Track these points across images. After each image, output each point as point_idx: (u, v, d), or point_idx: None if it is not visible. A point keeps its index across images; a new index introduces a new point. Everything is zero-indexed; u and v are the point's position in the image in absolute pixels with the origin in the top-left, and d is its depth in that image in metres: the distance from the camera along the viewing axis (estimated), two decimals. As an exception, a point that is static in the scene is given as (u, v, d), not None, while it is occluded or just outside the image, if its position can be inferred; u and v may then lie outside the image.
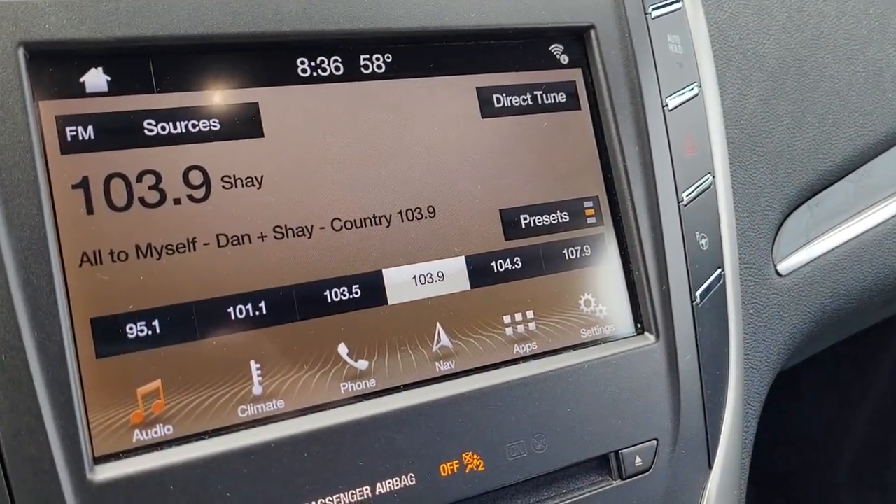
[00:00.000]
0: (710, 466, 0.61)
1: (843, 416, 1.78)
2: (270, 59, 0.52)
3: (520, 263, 0.57)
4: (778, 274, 0.71)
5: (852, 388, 1.73)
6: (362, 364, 0.52)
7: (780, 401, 1.95)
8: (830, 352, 1.64)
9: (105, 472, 0.44)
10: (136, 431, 0.46)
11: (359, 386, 0.51)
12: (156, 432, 0.46)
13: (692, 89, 0.65)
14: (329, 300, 0.51)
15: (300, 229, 0.51)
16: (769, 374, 0.71)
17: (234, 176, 0.50)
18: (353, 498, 0.49)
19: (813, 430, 1.86)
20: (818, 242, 0.75)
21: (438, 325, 0.54)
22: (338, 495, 0.49)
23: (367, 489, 0.49)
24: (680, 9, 0.66)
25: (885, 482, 1.75)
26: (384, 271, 0.53)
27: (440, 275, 0.55)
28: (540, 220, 0.58)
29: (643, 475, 0.57)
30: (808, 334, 0.73)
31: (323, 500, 0.48)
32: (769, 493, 2.02)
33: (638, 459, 0.57)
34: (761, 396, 0.69)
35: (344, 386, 0.51)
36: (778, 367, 0.72)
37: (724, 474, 0.61)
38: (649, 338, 0.59)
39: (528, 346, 0.56)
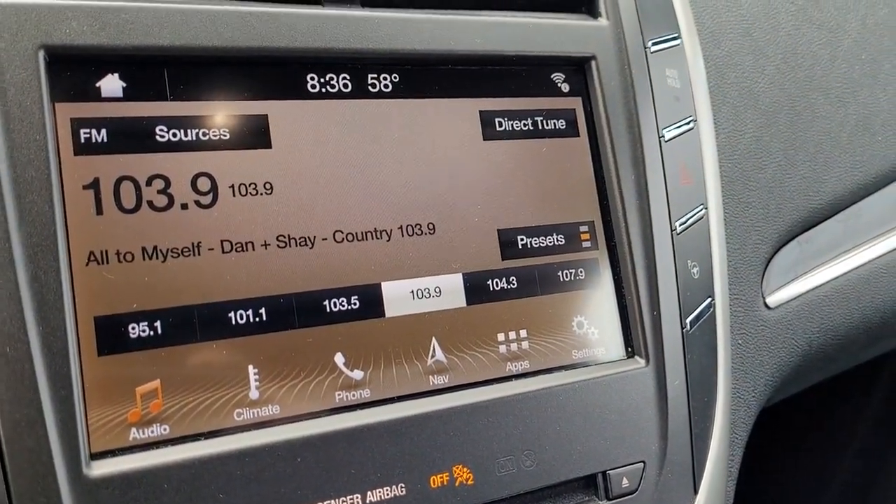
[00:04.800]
0: (696, 491, 0.61)
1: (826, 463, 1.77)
2: (281, 73, 0.54)
3: (515, 283, 0.58)
4: (767, 307, 0.73)
5: (837, 436, 1.74)
6: (358, 374, 0.53)
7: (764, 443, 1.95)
8: (814, 395, 1.65)
9: (101, 468, 0.45)
10: (133, 430, 0.47)
11: (353, 395, 0.52)
12: (152, 431, 0.47)
13: (688, 122, 0.67)
14: (328, 310, 0.52)
15: (303, 239, 0.52)
16: (755, 404, 0.72)
17: (242, 184, 0.51)
18: (345, 509, 0.50)
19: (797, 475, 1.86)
20: (807, 278, 0.76)
21: (434, 340, 0.55)
22: (329, 501, 0.49)
23: (357, 497, 0.50)
24: (679, 45, 0.68)
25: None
26: (383, 284, 0.54)
27: (437, 290, 0.56)
28: (537, 242, 0.59)
29: (629, 496, 0.58)
30: (794, 367, 0.75)
31: (316, 509, 0.49)
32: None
33: (625, 481, 0.58)
34: (747, 426, 0.70)
35: (339, 395, 0.52)
36: (764, 400, 0.73)
37: (710, 499, 0.62)
38: (639, 361, 0.60)
39: (521, 365, 0.57)
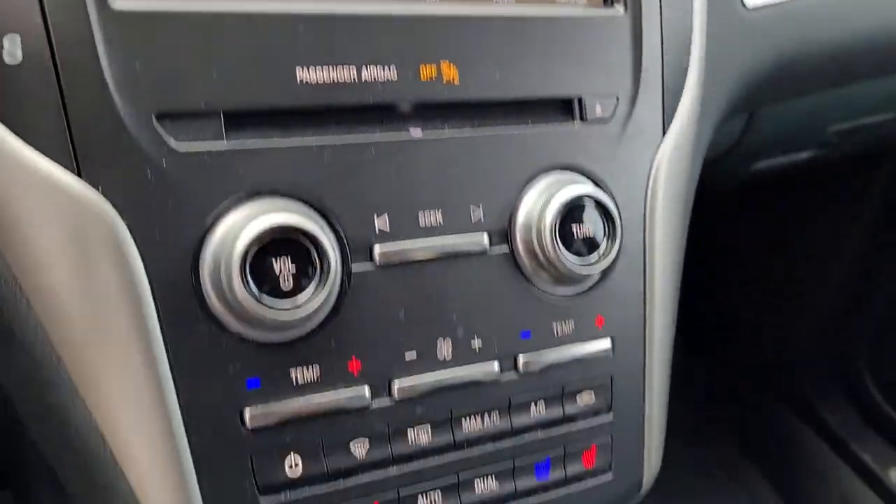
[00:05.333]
0: (664, 132, 0.67)
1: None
2: None
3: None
4: (744, 6, 0.77)
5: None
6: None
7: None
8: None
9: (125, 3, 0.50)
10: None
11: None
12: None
13: None
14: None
15: None
16: (724, 102, 0.76)
17: None
18: (339, 76, 0.55)
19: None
20: (786, -12, 0.80)
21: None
22: (327, 67, 0.55)
23: (353, 69, 0.55)
24: None
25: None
26: None
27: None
28: None
29: (602, 123, 0.64)
30: (764, 75, 0.79)
31: (312, 70, 0.54)
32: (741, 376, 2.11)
33: (599, 109, 0.63)
34: (719, 110, 0.75)
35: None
36: (732, 101, 0.77)
37: (678, 141, 0.67)
38: (618, 10, 0.65)
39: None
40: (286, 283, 0.51)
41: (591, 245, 0.61)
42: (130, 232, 0.49)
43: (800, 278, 1.86)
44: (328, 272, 0.51)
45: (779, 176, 1.35)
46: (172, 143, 0.50)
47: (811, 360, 1.90)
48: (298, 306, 0.51)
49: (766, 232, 1.93)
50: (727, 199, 1.97)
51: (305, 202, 0.54)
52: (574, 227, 0.60)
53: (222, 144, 0.52)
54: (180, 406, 0.51)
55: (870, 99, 1.05)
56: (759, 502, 1.88)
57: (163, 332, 0.51)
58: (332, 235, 0.54)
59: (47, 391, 0.52)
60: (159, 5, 0.51)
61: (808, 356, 1.90)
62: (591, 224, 0.61)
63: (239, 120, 0.53)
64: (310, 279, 0.51)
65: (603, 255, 0.61)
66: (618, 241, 0.61)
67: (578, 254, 0.60)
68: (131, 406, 0.51)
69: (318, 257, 0.51)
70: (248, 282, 0.50)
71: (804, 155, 1.25)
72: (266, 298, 0.50)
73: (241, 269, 0.49)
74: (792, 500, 1.88)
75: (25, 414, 0.56)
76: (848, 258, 1.75)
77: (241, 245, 0.49)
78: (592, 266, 0.60)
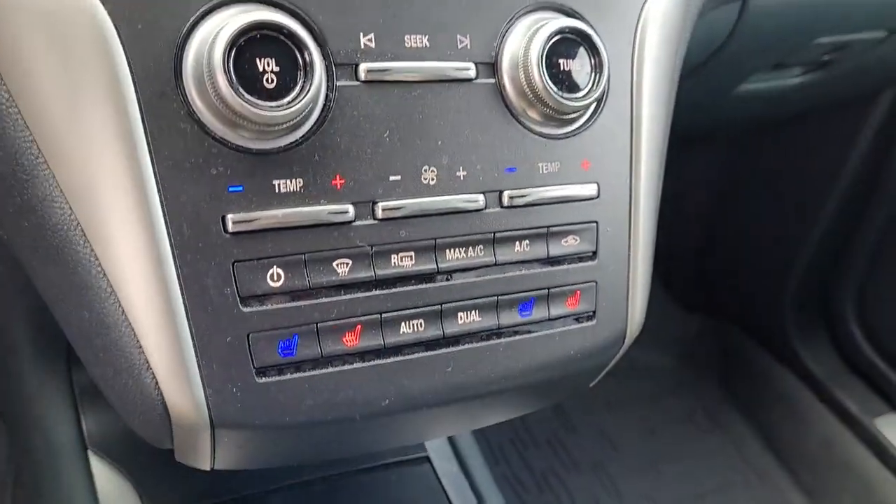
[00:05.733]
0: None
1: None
2: None
3: None
4: None
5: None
6: None
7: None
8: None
9: None
10: None
11: None
12: None
13: None
14: None
15: None
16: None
17: None
18: None
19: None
20: None
21: None
22: None
23: None
24: None
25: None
26: None
27: None
28: None
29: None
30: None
31: None
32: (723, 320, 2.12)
33: None
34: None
35: None
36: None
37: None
38: None
39: None
40: (270, 82, 0.50)
41: (577, 80, 0.61)
42: (113, 22, 0.49)
43: (785, 224, 1.87)
44: (312, 75, 0.51)
45: (769, 101, 1.35)
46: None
47: (796, 306, 1.91)
48: (283, 105, 0.50)
49: (752, 177, 1.94)
50: (714, 144, 1.97)
51: (290, 12, 0.53)
52: (561, 62, 0.60)
53: (208, -61, 0.51)
54: (162, 207, 0.51)
55: (859, 11, 1.05)
56: (741, 447, 1.90)
57: (145, 130, 0.50)
58: (317, 47, 0.53)
59: (26, 186, 0.51)
60: None
61: (793, 302, 1.91)
62: (578, 59, 0.61)
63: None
64: (295, 82, 0.51)
65: (590, 88, 0.61)
66: (605, 75, 0.61)
67: (565, 88, 0.60)
68: (113, 204, 0.50)
69: (303, 61, 0.51)
70: (231, 78, 0.49)
71: (794, 78, 1.25)
72: (247, 97, 0.49)
73: (223, 64, 0.49)
74: (773, 445, 1.89)
75: (2, 215, 0.55)
76: (833, 204, 1.76)
77: (223, 38, 0.49)
78: (579, 99, 0.60)
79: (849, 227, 1.77)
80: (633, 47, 0.66)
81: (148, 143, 0.50)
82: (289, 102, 0.50)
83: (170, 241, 0.51)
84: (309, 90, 0.51)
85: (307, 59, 0.51)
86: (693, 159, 2.05)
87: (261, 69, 0.50)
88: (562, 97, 0.59)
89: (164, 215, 0.51)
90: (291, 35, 0.50)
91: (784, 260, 1.91)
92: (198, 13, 0.51)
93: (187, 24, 0.51)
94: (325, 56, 0.54)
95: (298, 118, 0.52)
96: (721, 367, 2.09)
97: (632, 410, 2.00)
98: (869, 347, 1.83)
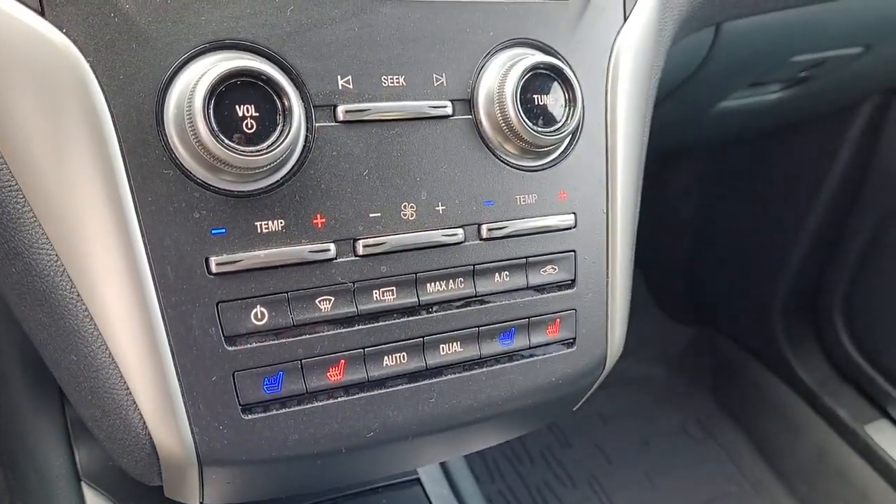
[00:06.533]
0: (626, 17, 0.68)
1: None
2: None
3: None
4: None
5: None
6: None
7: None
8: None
9: None
10: None
11: None
12: None
13: None
14: None
15: None
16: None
17: None
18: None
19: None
20: None
21: None
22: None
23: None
24: None
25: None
26: None
27: None
28: None
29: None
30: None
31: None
32: (715, 331, 2.13)
33: None
34: (680, 4, 0.77)
35: None
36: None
37: (640, 26, 0.69)
38: None
39: None
40: (249, 128, 0.52)
41: (552, 114, 0.62)
42: (94, 74, 0.50)
43: (771, 234, 1.89)
44: (291, 119, 0.52)
45: (749, 117, 1.37)
46: (139, -11, 0.51)
47: (785, 316, 1.93)
48: (262, 150, 0.51)
49: (737, 188, 1.95)
50: (699, 157, 1.99)
51: (269, 58, 0.55)
52: (535, 97, 0.62)
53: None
54: (147, 251, 0.52)
55: (829, 29, 1.07)
56: (734, 457, 1.91)
57: (129, 177, 0.51)
58: (295, 91, 0.54)
59: (13, 233, 0.52)
60: None
61: (782, 311, 1.92)
62: (552, 93, 0.62)
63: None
64: (275, 126, 0.52)
65: (565, 121, 0.62)
66: (579, 108, 0.62)
67: (540, 122, 0.61)
68: (98, 250, 0.52)
69: (282, 106, 0.52)
70: (212, 125, 0.50)
71: (772, 94, 1.27)
72: (227, 142, 0.51)
73: (203, 111, 0.50)
74: (767, 454, 1.90)
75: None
76: (818, 213, 1.78)
77: (203, 86, 0.50)
78: (553, 133, 0.62)
79: (834, 236, 1.79)
80: (607, 79, 0.67)
81: (131, 189, 0.51)
82: (268, 147, 0.52)
83: (154, 284, 0.52)
84: (288, 134, 0.52)
85: (286, 104, 0.52)
86: (679, 173, 2.07)
87: (241, 114, 0.52)
88: (537, 131, 0.61)
89: (149, 259, 0.52)
90: (270, 81, 0.52)
91: (771, 270, 1.93)
92: (178, 62, 0.52)
93: (167, 73, 0.52)
94: (304, 98, 0.56)
95: (278, 161, 0.53)
96: (714, 378, 2.10)
97: (626, 423, 2.01)
98: (858, 355, 1.84)
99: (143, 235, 0.52)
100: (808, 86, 1.27)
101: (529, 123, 0.61)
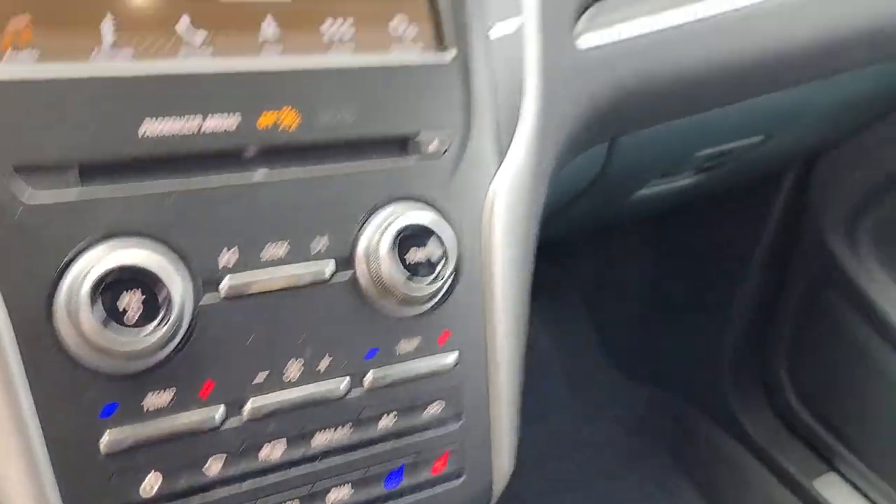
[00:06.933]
0: (500, 164, 0.74)
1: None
2: None
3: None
4: (576, 45, 0.85)
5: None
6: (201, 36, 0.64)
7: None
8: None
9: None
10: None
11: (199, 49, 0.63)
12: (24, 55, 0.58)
13: None
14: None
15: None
16: (563, 135, 0.84)
17: None
18: (184, 127, 0.61)
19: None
20: (626, 24, 0.89)
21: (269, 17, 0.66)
22: (171, 119, 0.61)
23: (199, 119, 0.61)
24: None
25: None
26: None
27: (271, -22, 0.66)
28: None
29: (438, 156, 0.70)
30: (610, 102, 0.87)
31: (157, 122, 0.60)
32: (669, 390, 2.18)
33: (434, 144, 0.70)
34: (558, 143, 0.83)
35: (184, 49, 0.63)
36: (569, 133, 0.84)
37: (514, 171, 0.74)
38: (449, 54, 0.72)
39: (344, 44, 0.69)
40: (132, 317, 0.56)
41: (427, 269, 0.67)
42: None
43: (714, 294, 1.94)
44: (170, 306, 0.57)
45: (670, 199, 1.43)
46: (28, 193, 0.56)
47: (733, 373, 1.98)
48: (142, 337, 0.56)
49: (679, 250, 2.02)
50: (632, 234, 2.06)
51: (158, 240, 0.60)
52: (411, 252, 0.67)
53: (75, 193, 0.58)
54: (45, 439, 0.56)
55: (726, 124, 1.14)
56: (691, 517, 1.94)
57: (24, 364, 0.56)
58: (185, 271, 0.59)
59: None
60: (8, 72, 0.56)
61: (730, 369, 1.98)
62: (428, 247, 0.67)
63: (91, 171, 0.59)
64: (158, 311, 0.57)
65: (438, 273, 0.67)
66: (451, 264, 0.67)
67: (416, 277, 0.66)
68: (-2, 441, 0.56)
69: (162, 295, 0.57)
70: (95, 317, 0.55)
71: (686, 180, 1.34)
72: (110, 331, 0.55)
73: (89, 304, 0.55)
74: (721, 512, 1.94)
75: None
76: (756, 273, 1.84)
77: (87, 283, 0.55)
78: (429, 286, 0.67)
79: (771, 298, 1.85)
80: (482, 220, 0.72)
81: (28, 377, 0.56)
82: (148, 334, 0.56)
83: (53, 470, 0.56)
84: (170, 318, 0.57)
85: (165, 293, 0.57)
86: (625, 237, 2.13)
87: (125, 304, 0.56)
88: (413, 286, 0.66)
89: (47, 447, 0.56)
90: (149, 274, 0.56)
91: (718, 329, 1.98)
92: (64, 261, 0.57)
93: (58, 272, 0.56)
94: (192, 274, 0.60)
95: (163, 342, 0.58)
96: (670, 437, 2.14)
97: (588, 488, 2.04)
98: (804, 411, 1.89)
99: (41, 427, 0.56)
100: (719, 170, 1.33)
101: (403, 280, 0.66)
